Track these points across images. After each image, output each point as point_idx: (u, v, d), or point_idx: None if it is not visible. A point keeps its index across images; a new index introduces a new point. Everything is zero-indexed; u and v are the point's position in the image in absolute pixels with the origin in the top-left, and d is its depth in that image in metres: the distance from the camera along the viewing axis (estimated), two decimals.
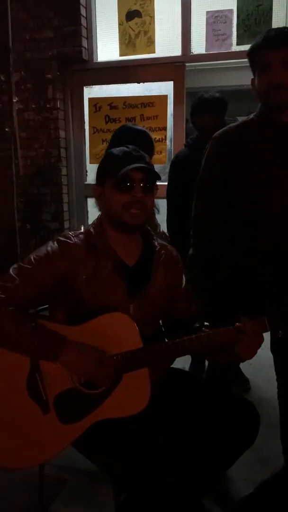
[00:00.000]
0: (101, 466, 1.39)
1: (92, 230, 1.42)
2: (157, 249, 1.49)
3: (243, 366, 2.62)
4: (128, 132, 2.21)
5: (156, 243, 1.50)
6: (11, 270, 1.34)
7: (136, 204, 1.34)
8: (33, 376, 1.31)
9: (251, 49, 1.58)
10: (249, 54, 1.59)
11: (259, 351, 1.31)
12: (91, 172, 3.86)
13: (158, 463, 1.23)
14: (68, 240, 1.38)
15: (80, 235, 1.41)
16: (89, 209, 3.91)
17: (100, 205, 1.43)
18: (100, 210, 1.46)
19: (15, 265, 1.36)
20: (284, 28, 1.56)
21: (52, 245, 1.37)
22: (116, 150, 1.40)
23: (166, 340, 1.38)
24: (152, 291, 1.43)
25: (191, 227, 1.78)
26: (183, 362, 1.65)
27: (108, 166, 1.39)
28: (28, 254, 1.40)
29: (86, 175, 3.90)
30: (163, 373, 1.48)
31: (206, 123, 2.51)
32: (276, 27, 1.67)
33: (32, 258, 1.36)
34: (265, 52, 1.50)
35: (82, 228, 1.45)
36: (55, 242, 1.38)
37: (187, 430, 1.43)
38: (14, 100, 3.75)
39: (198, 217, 1.75)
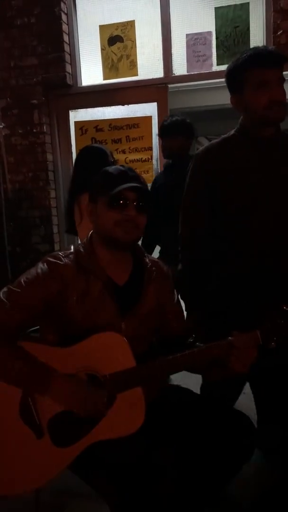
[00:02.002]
0: (96, 488, 1.37)
1: (81, 249, 1.41)
2: (148, 266, 1.48)
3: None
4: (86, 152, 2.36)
5: (147, 260, 1.49)
6: (0, 294, 1.33)
7: (128, 223, 1.34)
8: (26, 400, 1.29)
9: (236, 66, 1.59)
10: (233, 71, 1.61)
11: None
12: None
13: (152, 483, 1.21)
14: (57, 261, 1.36)
15: (70, 255, 1.40)
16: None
17: (92, 222, 1.43)
18: (91, 226, 1.45)
19: (5, 289, 1.34)
20: (267, 47, 1.61)
21: (42, 267, 1.35)
22: (111, 169, 1.40)
23: (160, 357, 1.37)
24: (143, 308, 1.42)
25: (179, 243, 1.80)
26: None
27: (102, 184, 1.38)
28: (15, 280, 1.38)
29: None
30: (157, 391, 1.47)
31: (168, 146, 2.60)
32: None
33: (22, 281, 1.34)
34: (260, 70, 1.53)
35: (72, 247, 1.44)
36: (45, 264, 1.36)
37: (182, 447, 1.41)
38: (1, 126, 3.79)
39: (185, 233, 1.77)
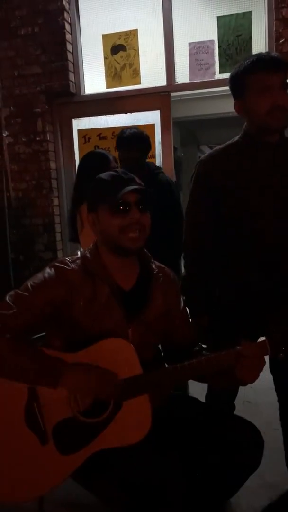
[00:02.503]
0: (102, 498, 1.34)
1: (88, 255, 1.41)
2: (155, 272, 1.46)
3: (244, 388, 2.58)
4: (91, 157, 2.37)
5: (154, 266, 1.48)
6: (7, 298, 1.32)
7: (135, 226, 1.32)
8: (31, 406, 1.28)
9: (240, 72, 1.59)
10: (236, 76, 1.61)
11: (260, 373, 1.29)
12: None
13: (159, 492, 1.19)
14: (65, 266, 1.36)
15: (77, 261, 1.39)
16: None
17: (95, 231, 1.42)
18: (95, 235, 1.44)
19: (12, 292, 1.34)
20: (270, 53, 1.61)
21: (49, 272, 1.35)
22: (105, 175, 1.38)
23: (166, 365, 1.36)
24: (150, 314, 1.40)
25: (183, 249, 1.79)
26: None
27: (100, 192, 1.37)
28: (22, 285, 1.38)
29: None
30: (164, 399, 1.45)
31: (123, 158, 2.66)
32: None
33: (29, 285, 1.33)
34: (262, 75, 1.52)
35: (79, 253, 1.43)
36: (52, 269, 1.36)
37: (189, 456, 1.39)
38: (4, 134, 3.81)
39: (189, 238, 1.76)
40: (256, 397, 2.73)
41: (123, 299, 1.37)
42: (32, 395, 1.28)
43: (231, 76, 1.62)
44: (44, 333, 1.46)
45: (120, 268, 1.40)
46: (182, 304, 1.53)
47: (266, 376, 1.64)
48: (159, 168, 2.96)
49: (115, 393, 1.26)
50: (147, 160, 2.80)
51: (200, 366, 1.29)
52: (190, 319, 1.75)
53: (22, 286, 1.35)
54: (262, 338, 1.75)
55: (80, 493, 1.40)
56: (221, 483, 1.37)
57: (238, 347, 1.28)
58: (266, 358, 1.75)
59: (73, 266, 1.37)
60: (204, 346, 1.54)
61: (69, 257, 1.41)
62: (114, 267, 1.39)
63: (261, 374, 1.29)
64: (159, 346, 1.52)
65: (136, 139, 2.60)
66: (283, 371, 1.75)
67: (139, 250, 1.38)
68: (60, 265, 1.37)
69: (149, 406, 1.29)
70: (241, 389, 1.91)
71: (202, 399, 1.75)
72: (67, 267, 1.36)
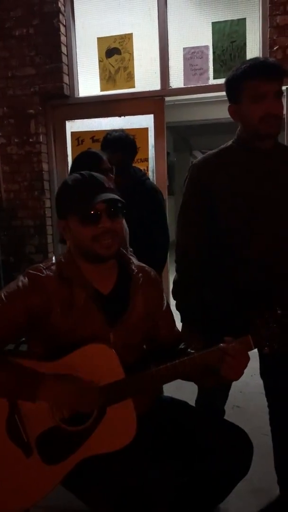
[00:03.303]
0: (90, 505, 1.33)
1: (63, 259, 1.37)
2: (134, 272, 1.43)
3: (234, 393, 2.58)
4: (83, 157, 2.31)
5: (133, 267, 1.44)
6: None
7: (106, 234, 1.28)
8: (12, 418, 1.25)
9: (235, 76, 1.58)
10: (232, 81, 1.60)
11: (249, 378, 1.28)
12: None
13: (146, 500, 1.18)
14: (38, 273, 1.32)
15: (52, 267, 1.34)
16: None
17: (67, 238, 1.38)
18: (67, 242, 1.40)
19: None
20: (268, 59, 1.59)
21: (22, 280, 1.31)
22: (71, 180, 1.33)
23: (150, 367, 1.33)
24: (132, 316, 1.37)
25: (175, 253, 1.78)
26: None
27: (67, 200, 1.32)
28: None
29: None
30: (150, 402, 1.44)
31: (108, 160, 2.63)
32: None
33: (2, 295, 1.29)
34: (258, 82, 1.51)
35: (54, 258, 1.39)
36: (26, 277, 1.31)
37: (177, 461, 1.38)
38: None
39: (182, 243, 1.76)
40: (245, 402, 2.73)
41: (103, 303, 1.35)
42: (13, 407, 1.25)
43: (227, 80, 1.62)
44: (23, 339, 1.44)
45: (97, 273, 1.36)
46: (165, 303, 1.50)
47: (255, 381, 1.64)
48: (145, 174, 2.93)
49: (95, 404, 1.24)
50: (138, 164, 2.78)
51: (184, 366, 1.27)
52: (182, 324, 1.75)
53: None
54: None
55: (67, 499, 1.37)
56: (210, 489, 1.35)
57: (221, 344, 1.25)
58: (257, 363, 1.76)
59: (47, 272, 1.33)
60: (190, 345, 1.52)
61: (43, 263, 1.37)
62: (91, 273, 1.35)
63: (250, 379, 1.28)
64: (144, 347, 1.50)
65: (121, 142, 2.57)
66: (274, 376, 1.75)
67: (113, 256, 1.34)
68: (33, 272, 1.32)
69: (133, 410, 1.27)
70: (231, 394, 1.91)
71: (192, 403, 1.74)
72: (41, 274, 1.32)
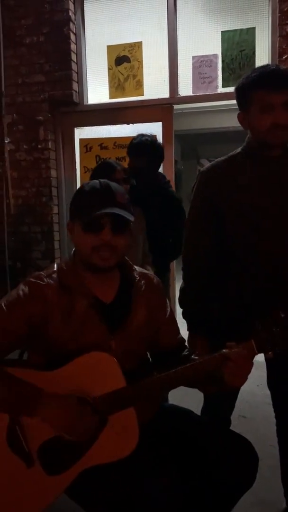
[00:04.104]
0: None
1: (64, 267, 1.37)
2: (136, 280, 1.42)
3: (240, 403, 2.55)
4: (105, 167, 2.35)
5: (135, 274, 1.43)
6: None
7: (105, 247, 1.27)
8: (13, 429, 1.24)
9: (244, 85, 1.58)
10: (241, 89, 1.60)
11: (256, 388, 1.26)
12: None
13: (148, 509, 1.16)
14: (39, 282, 1.31)
15: (53, 275, 1.34)
16: None
17: (72, 240, 1.38)
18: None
19: None
20: (278, 67, 1.57)
21: (23, 289, 1.30)
22: (88, 186, 1.34)
23: (154, 374, 1.31)
24: (133, 324, 1.36)
25: (182, 260, 1.78)
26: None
27: (77, 204, 1.33)
28: None
29: None
30: (152, 410, 1.42)
31: (132, 165, 2.61)
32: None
33: (2, 304, 1.29)
34: (266, 92, 1.50)
35: (55, 266, 1.39)
36: (26, 286, 1.30)
37: (181, 472, 1.36)
38: (6, 141, 3.82)
39: (189, 250, 1.75)
40: (252, 412, 2.69)
41: (104, 312, 1.33)
42: (14, 418, 1.24)
43: (237, 88, 1.62)
44: (21, 349, 1.43)
45: (99, 281, 1.35)
46: (168, 310, 1.49)
47: (262, 391, 1.62)
48: (168, 182, 2.91)
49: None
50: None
51: (186, 373, 1.25)
52: (188, 333, 1.73)
53: None
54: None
55: (71, 509, 1.36)
56: (214, 501, 1.32)
57: (224, 350, 1.23)
58: (264, 372, 1.74)
59: (48, 280, 1.32)
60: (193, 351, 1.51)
61: (44, 271, 1.36)
62: (92, 281, 1.34)
63: (257, 389, 1.26)
64: (147, 354, 1.48)
65: (144, 147, 2.54)
66: (281, 386, 1.73)
67: (110, 269, 1.33)
68: (34, 280, 1.32)
69: (135, 418, 1.25)
70: (237, 403, 1.88)
71: (198, 411, 1.72)
72: (41, 282, 1.31)
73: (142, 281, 1.44)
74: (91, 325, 1.30)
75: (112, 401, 1.23)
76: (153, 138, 2.63)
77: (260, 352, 1.23)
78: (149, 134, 2.67)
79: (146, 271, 1.50)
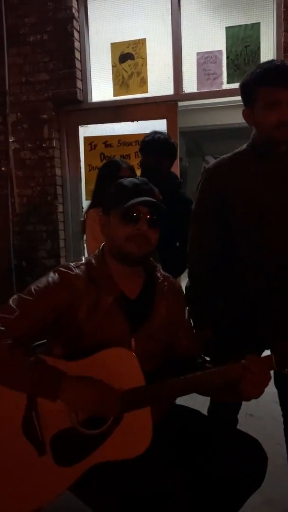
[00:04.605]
0: None
1: (93, 261, 1.39)
2: (160, 280, 1.45)
3: (246, 402, 2.54)
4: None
5: (159, 274, 1.46)
6: (10, 301, 1.29)
7: (140, 237, 1.31)
8: (30, 415, 1.24)
9: (249, 81, 1.56)
10: (246, 85, 1.58)
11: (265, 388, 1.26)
12: None
13: (157, 509, 1.15)
14: (69, 271, 1.34)
15: (82, 266, 1.37)
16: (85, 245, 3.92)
17: (105, 234, 1.41)
18: (104, 239, 1.43)
19: (15, 296, 1.31)
20: (283, 63, 1.55)
21: (53, 276, 1.33)
22: (126, 181, 1.37)
23: (170, 378, 1.30)
24: (154, 323, 1.38)
25: (188, 258, 1.76)
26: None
27: (115, 196, 1.36)
28: (25, 289, 1.35)
29: (83, 211, 3.92)
30: (165, 412, 1.42)
31: (143, 163, 2.60)
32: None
33: (32, 289, 1.31)
34: (272, 88, 1.49)
35: (84, 259, 1.42)
36: (56, 273, 1.34)
37: (190, 472, 1.35)
38: (10, 140, 3.82)
39: (194, 249, 1.74)
40: (258, 411, 2.68)
41: (128, 308, 1.35)
42: (31, 403, 1.24)
43: (241, 84, 1.60)
44: (44, 341, 1.43)
45: (126, 276, 1.37)
46: (186, 315, 1.50)
47: (268, 389, 1.60)
48: (180, 183, 2.87)
49: (113, 412, 1.22)
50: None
51: (205, 379, 1.25)
52: (194, 330, 1.72)
53: (26, 290, 1.33)
54: (267, 351, 1.73)
55: (77, 507, 1.35)
56: (223, 500, 1.32)
57: (243, 361, 1.24)
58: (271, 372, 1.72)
59: (77, 271, 1.35)
60: (207, 358, 1.51)
61: (74, 262, 1.39)
62: (119, 275, 1.36)
63: None
64: (163, 358, 1.48)
65: (154, 145, 2.51)
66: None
67: (141, 259, 1.36)
68: (64, 269, 1.35)
69: (150, 419, 1.25)
70: (244, 402, 1.87)
71: (204, 411, 1.71)
72: (71, 272, 1.34)
73: (165, 283, 1.46)
74: (114, 320, 1.32)
75: (130, 399, 1.23)
76: (165, 136, 2.60)
77: (278, 369, 1.24)
78: (163, 132, 2.65)
79: (168, 274, 1.52)
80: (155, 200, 1.32)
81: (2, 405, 1.25)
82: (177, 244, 2.65)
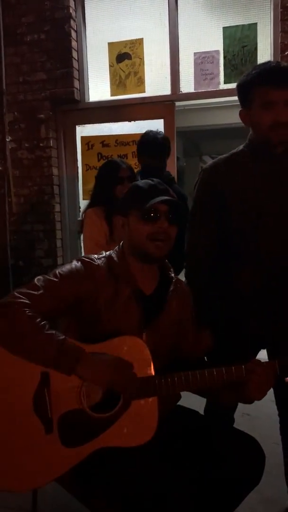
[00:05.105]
0: (93, 509, 1.31)
1: (114, 256, 1.45)
2: (173, 280, 1.51)
3: None
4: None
5: (172, 275, 1.52)
6: (35, 280, 1.34)
7: (161, 234, 1.37)
8: (42, 391, 1.25)
9: (245, 82, 1.57)
10: (242, 86, 1.59)
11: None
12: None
13: (155, 507, 1.16)
14: (92, 261, 1.40)
15: (103, 259, 1.44)
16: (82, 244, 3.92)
17: (124, 235, 1.46)
18: (123, 239, 1.49)
19: (40, 276, 1.36)
20: (279, 64, 1.56)
21: (76, 264, 1.39)
22: (142, 183, 1.44)
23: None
24: (165, 320, 1.43)
25: (185, 258, 1.77)
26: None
27: (134, 198, 1.42)
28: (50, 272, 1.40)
29: (79, 211, 3.92)
30: (170, 407, 1.45)
31: (139, 162, 2.62)
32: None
33: (57, 272, 1.37)
34: (268, 89, 1.50)
35: (104, 252, 1.48)
36: (79, 262, 1.40)
37: (188, 471, 1.36)
38: (8, 140, 3.81)
39: (191, 248, 1.74)
40: (255, 410, 2.69)
41: (143, 302, 1.40)
42: (44, 380, 1.26)
43: (238, 85, 1.61)
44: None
45: (143, 273, 1.44)
46: (194, 319, 1.55)
47: None
48: (173, 179, 2.91)
49: (132, 386, 1.25)
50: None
51: (211, 376, 1.30)
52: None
53: (51, 272, 1.38)
54: (263, 351, 1.74)
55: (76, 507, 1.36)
56: (220, 499, 1.33)
57: (249, 363, 1.29)
58: None
59: (99, 262, 1.41)
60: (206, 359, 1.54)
61: (95, 255, 1.45)
62: (137, 271, 1.43)
63: None
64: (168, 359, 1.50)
65: (159, 147, 2.55)
66: (284, 384, 1.72)
67: (162, 258, 1.43)
68: (87, 259, 1.41)
69: (157, 409, 1.28)
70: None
71: (201, 411, 1.72)
72: (94, 262, 1.41)
73: (178, 284, 1.51)
74: (130, 312, 1.38)
75: (140, 386, 1.26)
76: (162, 134, 2.64)
77: (281, 376, 1.29)
78: (158, 131, 2.67)
79: (180, 279, 1.57)
80: (173, 199, 1.39)
81: (16, 380, 1.27)
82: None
